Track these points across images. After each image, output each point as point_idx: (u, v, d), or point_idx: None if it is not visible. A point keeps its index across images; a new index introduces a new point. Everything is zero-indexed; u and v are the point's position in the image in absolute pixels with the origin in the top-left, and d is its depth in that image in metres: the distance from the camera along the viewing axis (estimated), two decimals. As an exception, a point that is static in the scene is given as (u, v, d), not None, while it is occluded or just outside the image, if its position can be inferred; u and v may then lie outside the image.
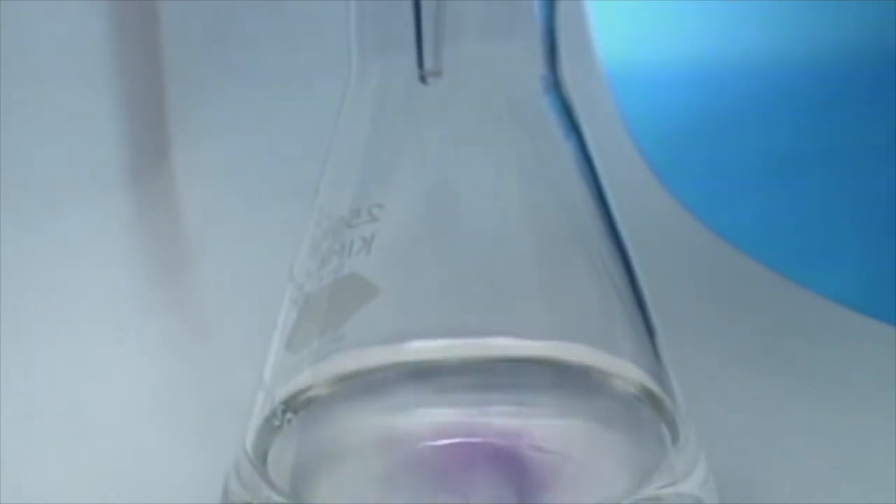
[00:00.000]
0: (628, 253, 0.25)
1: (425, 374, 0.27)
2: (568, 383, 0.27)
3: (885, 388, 0.33)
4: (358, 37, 0.25)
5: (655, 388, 0.26)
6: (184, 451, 0.31)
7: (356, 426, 0.27)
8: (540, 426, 0.27)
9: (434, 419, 0.27)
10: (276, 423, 0.26)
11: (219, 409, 0.31)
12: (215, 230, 0.43)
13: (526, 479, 0.25)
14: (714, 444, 0.26)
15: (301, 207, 0.26)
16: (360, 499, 0.25)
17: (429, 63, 0.24)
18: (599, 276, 0.26)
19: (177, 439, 0.32)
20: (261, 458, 0.25)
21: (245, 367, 0.27)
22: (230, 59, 0.44)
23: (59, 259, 0.40)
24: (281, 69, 0.45)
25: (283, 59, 0.45)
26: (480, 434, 0.26)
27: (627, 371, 0.26)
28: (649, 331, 0.26)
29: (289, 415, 0.26)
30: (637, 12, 0.56)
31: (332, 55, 0.25)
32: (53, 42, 0.42)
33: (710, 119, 0.54)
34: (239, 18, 0.44)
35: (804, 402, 0.33)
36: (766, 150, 0.51)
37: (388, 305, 0.25)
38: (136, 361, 0.36)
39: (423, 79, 0.24)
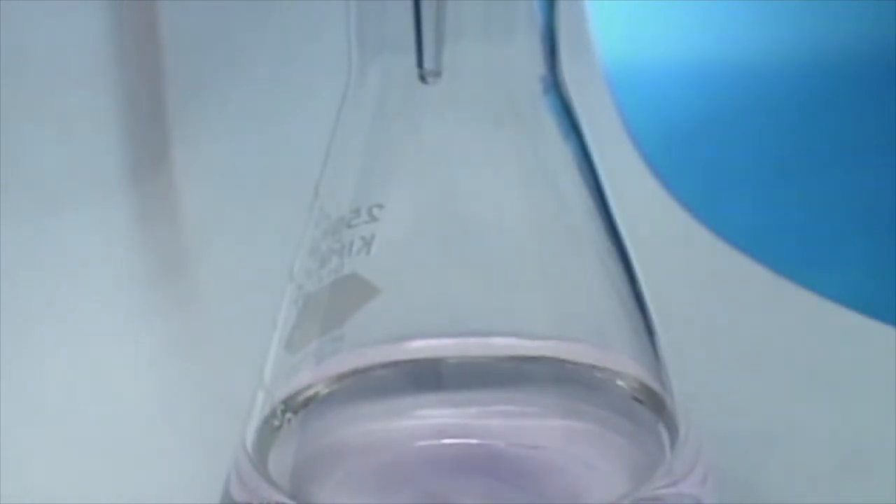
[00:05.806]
0: (628, 253, 0.25)
1: (425, 374, 0.27)
2: (568, 383, 0.27)
3: (885, 388, 0.33)
4: (358, 37, 0.25)
5: (655, 387, 0.26)
6: (183, 451, 0.31)
7: (356, 426, 0.27)
8: (540, 426, 0.27)
9: (434, 419, 0.27)
10: (276, 422, 0.26)
11: (219, 408, 0.31)
12: (215, 230, 0.43)
13: (525, 478, 0.25)
14: (714, 445, 0.26)
15: (301, 207, 0.26)
16: (359, 499, 0.25)
17: (429, 63, 0.24)
18: (600, 276, 0.26)
19: (177, 439, 0.32)
20: (261, 457, 0.25)
21: (245, 367, 0.27)
22: (230, 60, 0.44)
23: (59, 259, 0.40)
24: (281, 69, 0.45)
25: (283, 59, 0.45)
26: (480, 434, 0.26)
27: (627, 370, 0.26)
28: (649, 331, 0.26)
29: (288, 414, 0.26)
30: (637, 12, 0.56)
31: (331, 55, 0.25)
32: (53, 42, 0.41)
33: (709, 119, 0.54)
34: (239, 18, 0.44)
35: (804, 402, 0.33)
36: (766, 150, 0.51)
37: (388, 305, 0.25)
38: (135, 361, 0.36)
39: (423, 79, 0.24)
